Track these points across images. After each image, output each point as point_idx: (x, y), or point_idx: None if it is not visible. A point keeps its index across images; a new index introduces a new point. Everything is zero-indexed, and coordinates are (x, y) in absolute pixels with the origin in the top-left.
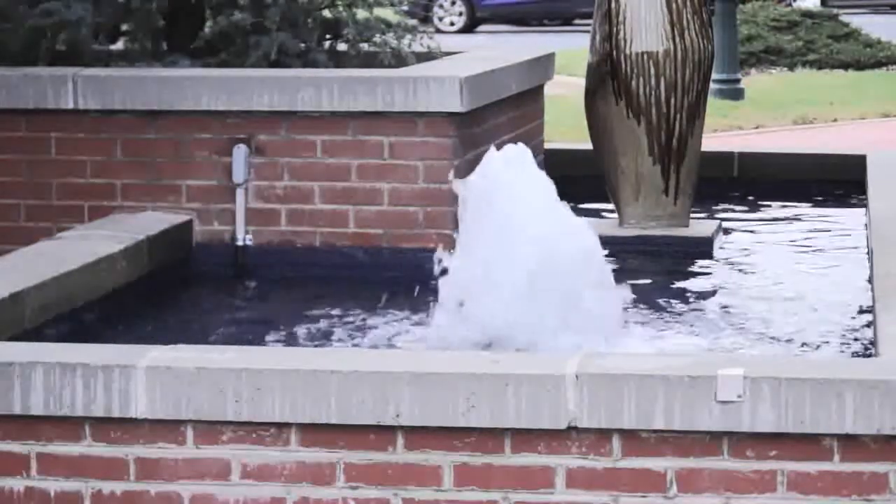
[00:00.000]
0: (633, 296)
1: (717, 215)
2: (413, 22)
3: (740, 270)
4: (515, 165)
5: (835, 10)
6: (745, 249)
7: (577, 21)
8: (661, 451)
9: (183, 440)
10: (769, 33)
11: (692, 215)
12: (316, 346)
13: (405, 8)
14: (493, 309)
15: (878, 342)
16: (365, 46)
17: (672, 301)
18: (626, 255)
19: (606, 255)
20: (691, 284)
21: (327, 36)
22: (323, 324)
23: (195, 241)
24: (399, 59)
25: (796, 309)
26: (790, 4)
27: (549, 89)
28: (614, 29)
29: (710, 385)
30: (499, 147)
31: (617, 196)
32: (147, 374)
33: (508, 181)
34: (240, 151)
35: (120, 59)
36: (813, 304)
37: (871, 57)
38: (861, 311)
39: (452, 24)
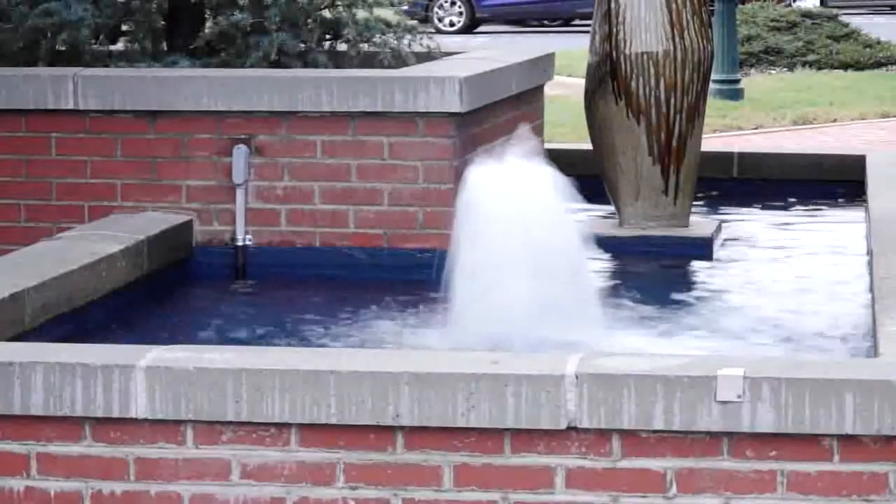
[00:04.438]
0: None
1: (716, 215)
2: (413, 22)
3: (739, 270)
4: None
5: (834, 11)
6: (745, 249)
7: (577, 21)
8: (660, 451)
9: (183, 440)
10: (769, 33)
11: (692, 215)
12: (316, 346)
13: (405, 8)
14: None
15: (878, 342)
16: (365, 46)
17: (672, 301)
18: (625, 255)
19: (607, 256)
20: (691, 284)
21: (327, 36)
22: (322, 324)
23: (195, 241)
24: (399, 59)
25: (796, 309)
26: (790, 4)
27: (549, 89)
28: (614, 29)
29: (710, 385)
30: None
31: (617, 196)
32: (147, 375)
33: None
34: (240, 151)
35: (120, 59)
36: (812, 304)
37: (870, 57)
38: (861, 312)
39: (452, 24)
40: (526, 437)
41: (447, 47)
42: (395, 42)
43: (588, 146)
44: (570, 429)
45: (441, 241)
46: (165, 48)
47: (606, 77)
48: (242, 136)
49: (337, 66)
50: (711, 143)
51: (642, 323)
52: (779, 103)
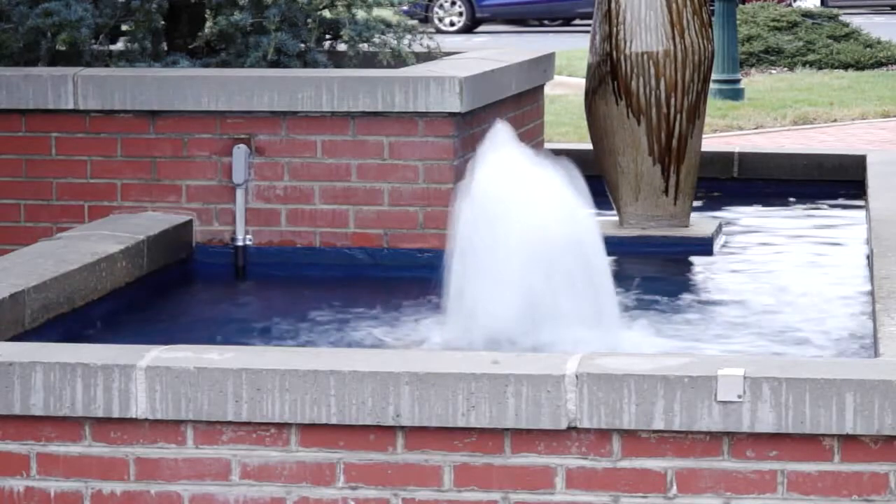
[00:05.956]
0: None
1: (717, 215)
2: (413, 22)
3: (740, 270)
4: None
5: (835, 10)
6: (745, 249)
7: (577, 21)
8: (661, 451)
9: (183, 440)
10: (769, 33)
11: (692, 215)
12: (316, 346)
13: (405, 8)
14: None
15: (878, 342)
16: (365, 46)
17: (672, 301)
18: (626, 255)
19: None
20: (691, 284)
21: (327, 36)
22: (323, 324)
23: (195, 241)
24: (399, 59)
25: (796, 309)
26: (790, 4)
27: (549, 89)
28: (614, 29)
29: (710, 385)
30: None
31: (617, 196)
32: (147, 374)
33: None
34: (240, 151)
35: (120, 59)
36: (813, 304)
37: (871, 57)
38: (861, 312)
39: (452, 24)
40: (526, 437)
41: (447, 47)
42: (395, 42)
43: (588, 146)
44: (571, 429)
45: (441, 241)
46: (165, 48)
47: (607, 77)
48: (242, 136)
49: (337, 66)
50: (711, 143)
51: (643, 323)
52: (779, 103)
